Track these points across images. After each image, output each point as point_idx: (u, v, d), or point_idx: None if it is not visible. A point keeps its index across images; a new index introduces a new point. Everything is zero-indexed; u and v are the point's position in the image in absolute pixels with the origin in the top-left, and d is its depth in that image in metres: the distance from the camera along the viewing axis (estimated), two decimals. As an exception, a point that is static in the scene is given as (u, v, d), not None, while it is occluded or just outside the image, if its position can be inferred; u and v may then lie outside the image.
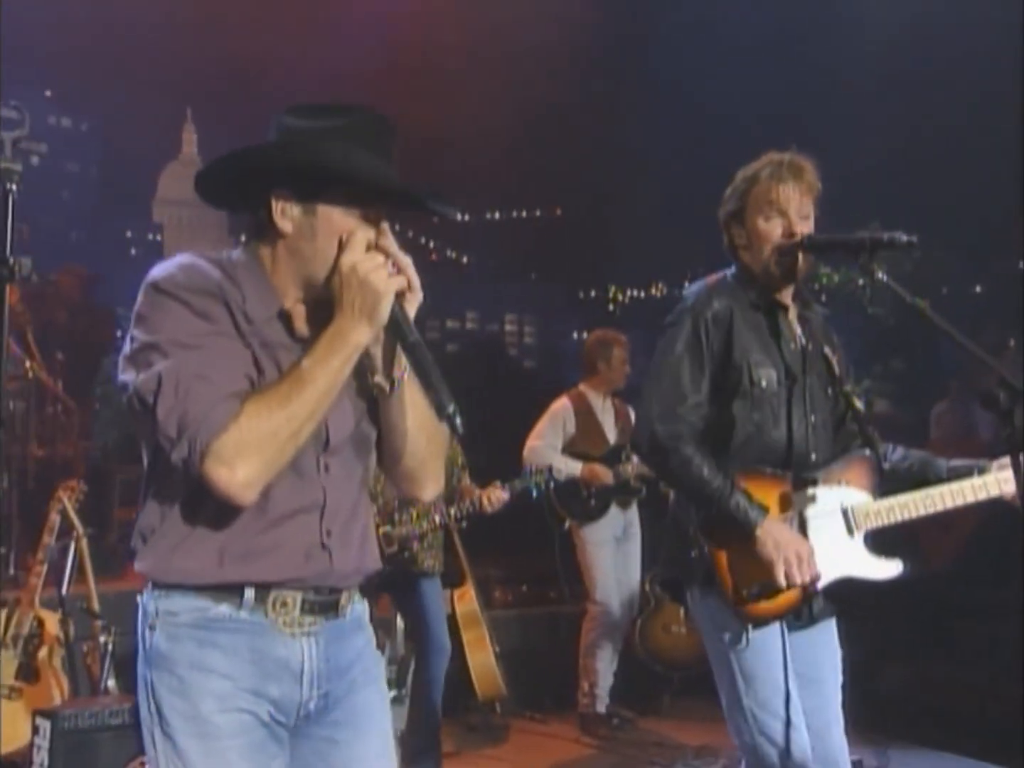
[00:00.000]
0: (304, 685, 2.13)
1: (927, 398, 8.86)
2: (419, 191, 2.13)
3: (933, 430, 8.70)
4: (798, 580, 2.94)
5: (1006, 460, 3.00)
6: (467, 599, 6.40)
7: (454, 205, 2.22)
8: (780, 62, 8.86)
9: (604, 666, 6.26)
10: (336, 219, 2.07)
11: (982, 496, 3.08)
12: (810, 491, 3.07)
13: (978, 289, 9.89)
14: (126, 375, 2.01)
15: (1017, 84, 7.87)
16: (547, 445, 6.12)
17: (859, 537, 3.10)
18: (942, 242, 9.55)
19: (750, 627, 3.00)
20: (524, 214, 12.05)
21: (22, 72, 8.02)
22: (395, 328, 2.04)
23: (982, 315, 9.43)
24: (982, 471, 3.12)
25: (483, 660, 6.29)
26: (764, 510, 2.96)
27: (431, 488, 2.31)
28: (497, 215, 12.16)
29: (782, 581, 2.94)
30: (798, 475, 3.09)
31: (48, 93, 8.27)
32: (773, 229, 3.06)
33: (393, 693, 6.17)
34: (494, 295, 12.48)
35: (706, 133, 8.75)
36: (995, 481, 3.07)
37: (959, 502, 3.08)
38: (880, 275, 2.88)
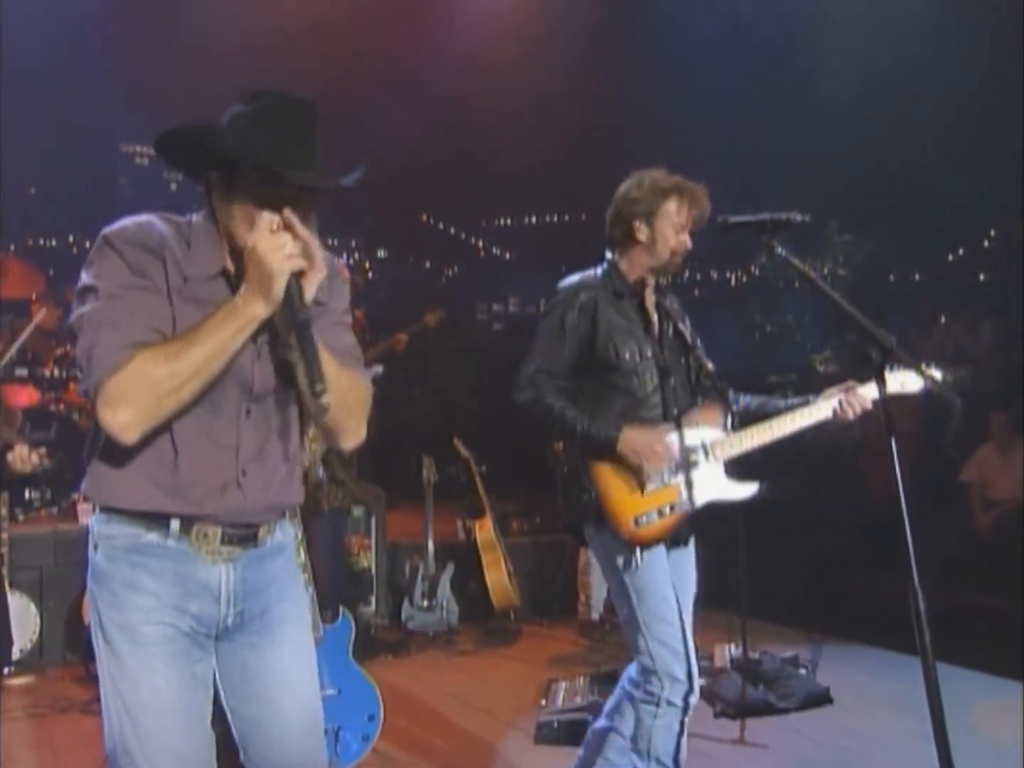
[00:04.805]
0: (221, 603, 2.04)
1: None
2: (297, 171, 1.88)
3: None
4: (662, 465, 3.00)
5: (828, 391, 3.20)
6: (486, 528, 6.41)
7: (340, 180, 1.98)
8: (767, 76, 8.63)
9: (597, 581, 6.25)
10: (248, 200, 1.92)
11: (805, 422, 3.14)
12: (674, 433, 3.11)
13: (917, 277, 9.77)
14: (73, 311, 1.94)
15: (964, 100, 7.76)
16: None
17: (718, 465, 3.15)
18: (890, 239, 9.41)
19: (639, 550, 3.00)
20: (555, 218, 11.97)
21: (160, 117, 8.14)
22: (289, 305, 1.87)
23: (920, 297, 9.33)
24: (809, 404, 3.22)
25: (498, 578, 6.30)
26: (618, 428, 2.99)
27: (350, 440, 2.13)
28: (534, 219, 12.07)
29: (651, 473, 2.99)
30: (664, 422, 3.13)
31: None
32: (679, 239, 3.14)
33: (425, 603, 6.24)
34: (532, 284, 12.29)
35: (713, 145, 8.59)
36: (808, 411, 3.15)
37: (790, 428, 3.13)
38: (779, 251, 2.79)
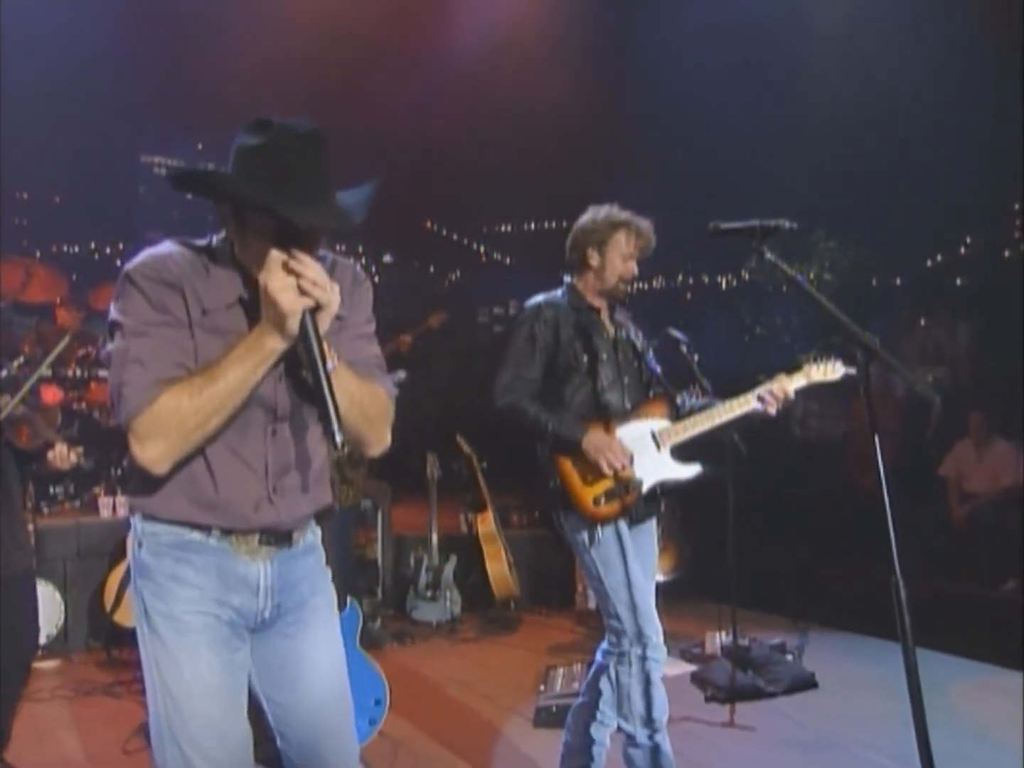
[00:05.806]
0: (260, 597, 2.05)
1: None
2: (297, 214, 1.82)
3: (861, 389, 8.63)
4: (616, 465, 3.19)
5: (759, 387, 3.38)
6: (487, 522, 6.42)
7: (349, 218, 1.93)
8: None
9: (594, 573, 6.26)
10: (259, 237, 1.89)
11: (738, 411, 3.34)
12: (626, 424, 3.32)
13: (898, 281, 9.77)
14: (105, 344, 1.93)
15: (945, 117, 7.76)
16: None
17: (665, 450, 3.35)
18: (873, 246, 9.41)
19: (599, 527, 3.23)
20: (553, 225, 11.91)
21: (179, 131, 8.18)
22: (304, 340, 1.85)
23: (901, 301, 9.34)
24: (741, 397, 3.39)
25: (499, 569, 6.31)
26: (584, 428, 3.23)
27: (374, 449, 2.13)
28: (532, 225, 12.03)
29: (607, 470, 3.20)
30: (618, 415, 3.34)
31: (200, 146, 8.46)
32: (626, 267, 3.40)
33: (429, 593, 6.25)
34: (530, 287, 12.15)
35: (707, 153, 8.57)
36: (741, 401, 3.34)
37: (725, 417, 3.33)
38: (768, 256, 2.82)
